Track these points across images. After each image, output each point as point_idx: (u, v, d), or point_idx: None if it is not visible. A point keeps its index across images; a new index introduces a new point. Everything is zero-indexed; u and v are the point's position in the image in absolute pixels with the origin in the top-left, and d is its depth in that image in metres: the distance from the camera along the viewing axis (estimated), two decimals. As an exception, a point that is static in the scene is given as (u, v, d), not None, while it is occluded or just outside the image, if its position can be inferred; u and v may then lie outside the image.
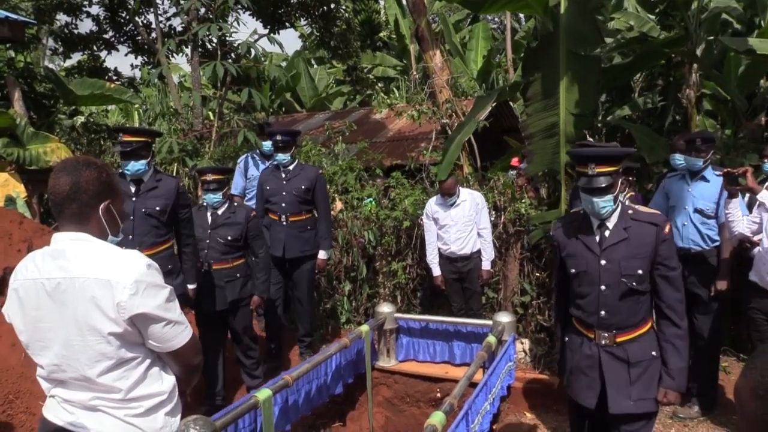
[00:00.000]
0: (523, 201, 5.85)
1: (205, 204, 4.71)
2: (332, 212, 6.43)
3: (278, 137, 5.23)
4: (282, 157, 5.26)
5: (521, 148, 6.69)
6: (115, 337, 1.83)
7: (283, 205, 5.27)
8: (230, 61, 7.28)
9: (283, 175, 5.32)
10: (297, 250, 5.27)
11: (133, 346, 1.89)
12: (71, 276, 1.81)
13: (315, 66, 19.15)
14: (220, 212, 4.69)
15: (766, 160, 4.88)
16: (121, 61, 57.82)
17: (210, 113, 7.09)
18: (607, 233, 2.79)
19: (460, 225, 5.45)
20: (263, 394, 3.34)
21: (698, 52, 6.49)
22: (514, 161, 7.28)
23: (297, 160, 5.44)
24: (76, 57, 11.53)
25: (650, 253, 2.72)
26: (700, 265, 4.51)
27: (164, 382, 1.98)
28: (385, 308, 5.12)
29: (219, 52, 6.49)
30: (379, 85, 17.19)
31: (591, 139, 6.44)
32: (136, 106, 13.06)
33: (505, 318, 4.55)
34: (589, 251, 2.82)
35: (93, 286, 1.80)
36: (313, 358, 4.12)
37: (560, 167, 5.33)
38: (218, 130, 6.63)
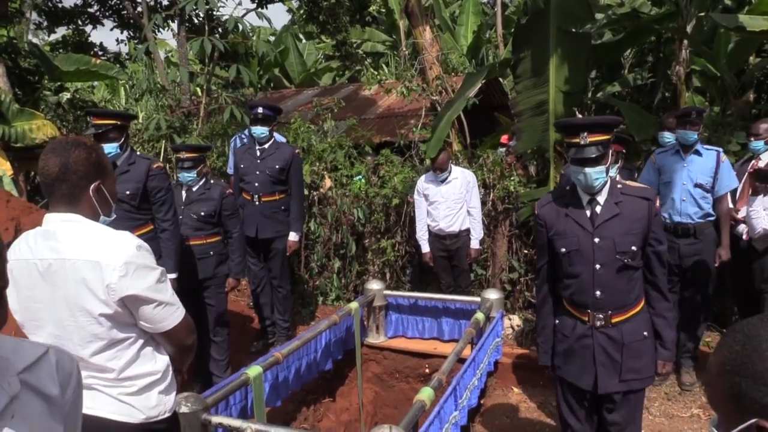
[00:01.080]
0: (512, 179, 5.87)
1: (180, 182, 4.61)
2: (321, 189, 6.44)
3: (259, 110, 5.06)
4: (260, 130, 5.08)
5: (511, 125, 6.71)
6: (106, 318, 1.83)
7: (256, 184, 5.14)
8: (217, 36, 7.20)
9: (258, 153, 5.16)
10: (270, 230, 5.17)
11: (124, 326, 1.89)
12: (62, 257, 1.81)
13: (303, 41, 18.96)
14: (194, 188, 4.61)
15: (752, 138, 4.91)
16: (107, 35, 56.94)
17: (197, 89, 7.01)
18: (598, 209, 2.68)
19: (450, 202, 5.44)
20: (254, 371, 3.37)
21: (688, 28, 6.47)
22: (504, 139, 7.28)
23: (274, 139, 5.27)
24: (61, 32, 11.36)
25: (643, 229, 2.66)
26: (698, 238, 4.56)
27: (157, 361, 1.99)
28: (374, 285, 5.15)
29: (206, 28, 6.40)
30: (368, 61, 17.05)
31: (580, 116, 6.47)
32: (122, 82, 12.91)
33: (493, 295, 4.60)
34: (580, 228, 2.69)
35: (83, 268, 1.80)
36: (303, 335, 4.16)
37: (549, 145, 5.35)
38: (206, 107, 6.58)
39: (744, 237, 4.94)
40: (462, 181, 5.47)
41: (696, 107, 4.60)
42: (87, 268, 1.79)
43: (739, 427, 0.89)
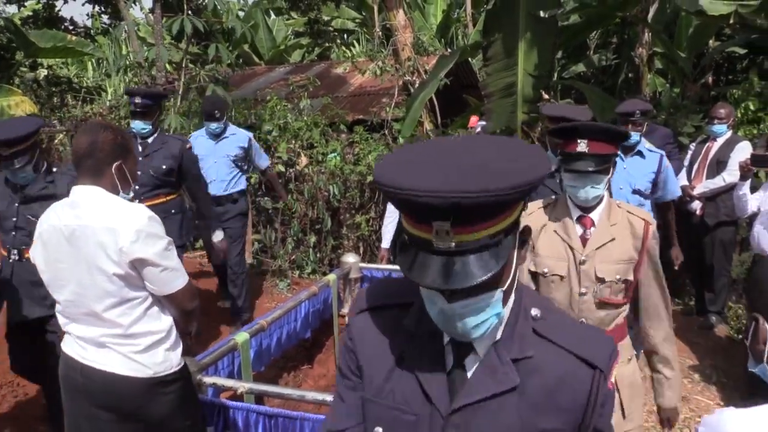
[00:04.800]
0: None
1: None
2: (297, 167, 6.61)
3: (137, 99, 4.17)
4: (140, 125, 4.20)
5: (479, 106, 6.95)
6: (118, 277, 2.06)
7: (137, 187, 4.50)
8: (190, 13, 7.23)
9: (140, 150, 4.21)
10: None
11: (134, 287, 2.11)
12: (84, 224, 2.05)
13: (273, 17, 18.85)
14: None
15: (716, 122, 5.19)
16: (75, 9, 55.37)
17: (167, 66, 7.05)
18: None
19: None
20: (241, 337, 3.58)
21: (651, 10, 6.76)
22: (473, 121, 7.52)
23: (160, 131, 4.43)
24: (30, 6, 11.12)
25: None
26: None
27: (162, 321, 2.21)
28: (350, 258, 5.36)
29: (185, 6, 6.46)
30: (338, 41, 17.08)
31: (547, 97, 6.73)
32: (89, 57, 12.73)
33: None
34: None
35: (101, 233, 2.03)
36: (285, 305, 4.37)
37: (517, 126, 5.62)
38: (184, 84, 6.66)
39: (698, 212, 5.31)
40: None
41: (638, 104, 4.19)
42: (104, 233, 2.03)
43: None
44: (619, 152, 2.18)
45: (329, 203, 6.58)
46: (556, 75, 10.11)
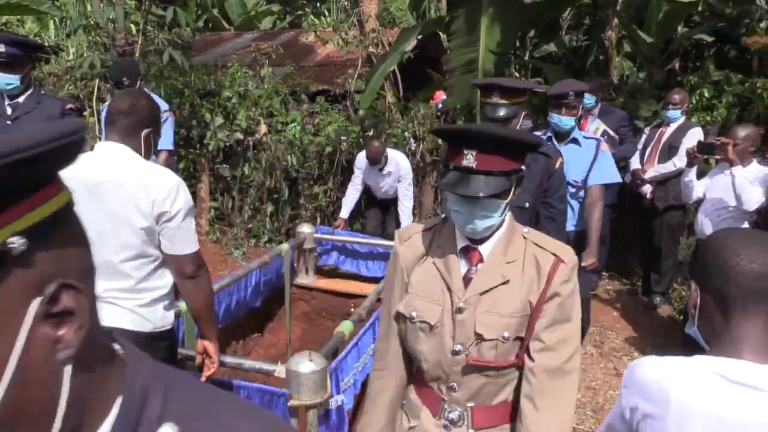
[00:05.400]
0: (441, 132, 6.13)
1: None
2: (257, 135, 6.56)
3: (2, 48, 3.43)
4: (5, 79, 3.50)
5: (443, 81, 6.94)
6: (144, 231, 2.16)
7: None
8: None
9: (9, 112, 3.57)
10: None
11: (153, 244, 2.23)
12: (113, 178, 2.15)
13: (244, -19, 18.46)
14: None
15: (670, 107, 5.28)
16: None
17: (132, 26, 6.90)
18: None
19: (387, 186, 5.67)
20: (185, 305, 3.57)
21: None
22: (437, 96, 7.52)
23: (34, 89, 3.74)
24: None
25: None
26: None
27: (165, 279, 2.33)
28: (305, 228, 5.38)
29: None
30: (307, 9, 16.84)
31: (517, 75, 6.76)
32: (52, 15, 12.33)
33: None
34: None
35: (133, 188, 2.14)
36: (235, 273, 4.37)
37: (477, 102, 5.63)
38: (142, 47, 6.52)
39: (648, 196, 5.42)
40: (395, 174, 5.57)
41: (573, 84, 3.77)
42: (137, 188, 2.14)
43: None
44: (522, 167, 1.60)
45: (287, 173, 6.55)
46: (528, 54, 10.12)
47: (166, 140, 4.31)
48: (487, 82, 2.80)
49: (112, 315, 2.21)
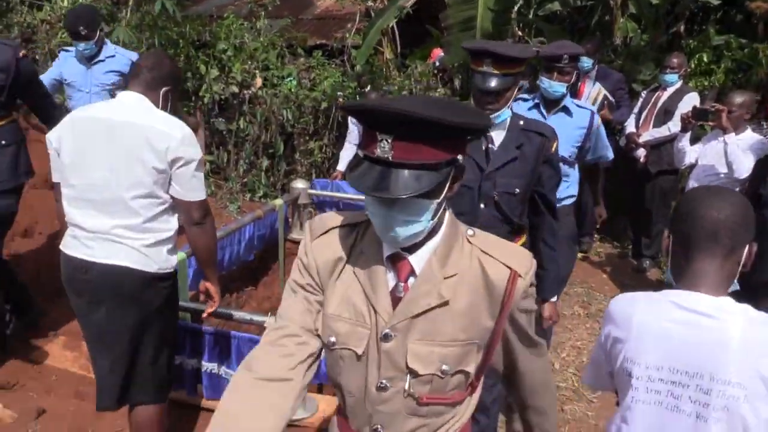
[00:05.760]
0: (438, 90, 6.11)
1: None
2: (252, 88, 6.49)
3: None
4: None
5: (441, 38, 6.86)
6: (156, 172, 2.29)
7: None
8: None
9: None
10: None
11: (163, 187, 2.35)
12: (132, 121, 2.29)
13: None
14: None
15: (668, 71, 5.26)
16: None
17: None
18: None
19: None
20: (179, 256, 3.62)
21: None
22: (434, 53, 7.43)
23: None
24: None
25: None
26: None
27: (171, 223, 2.46)
28: (299, 184, 5.40)
29: None
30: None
31: (520, 33, 6.66)
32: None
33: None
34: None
35: (150, 131, 2.28)
36: (228, 227, 4.41)
37: (473, 61, 5.59)
38: (135, -6, 6.40)
39: (641, 160, 5.44)
40: None
41: (568, 46, 3.40)
42: (154, 132, 2.28)
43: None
44: (459, 157, 1.22)
45: (283, 128, 6.52)
46: (531, 12, 9.94)
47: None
48: (477, 47, 2.36)
49: (118, 253, 2.33)
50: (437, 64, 6.81)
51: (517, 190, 2.44)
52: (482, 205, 2.44)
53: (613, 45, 6.66)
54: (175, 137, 2.29)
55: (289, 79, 6.52)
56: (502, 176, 2.42)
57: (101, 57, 4.20)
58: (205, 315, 2.78)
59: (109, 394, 2.48)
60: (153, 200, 2.34)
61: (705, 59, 6.12)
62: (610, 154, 3.61)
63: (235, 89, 6.34)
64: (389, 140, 1.16)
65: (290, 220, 5.46)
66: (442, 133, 1.17)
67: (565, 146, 3.16)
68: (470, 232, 1.35)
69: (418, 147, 1.16)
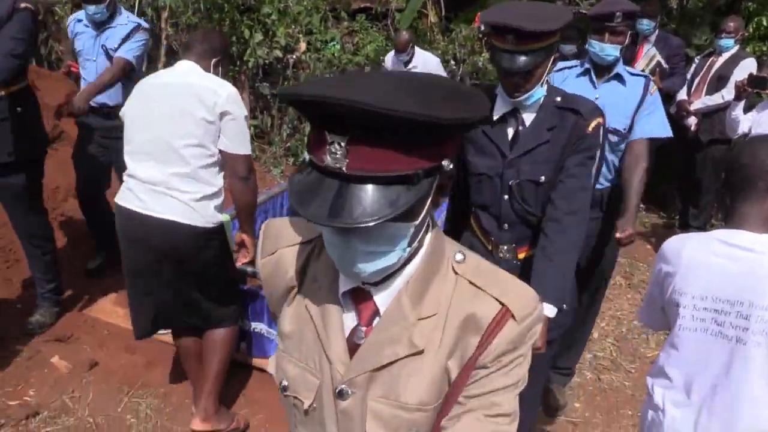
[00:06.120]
0: (483, 55, 6.01)
1: None
2: (296, 53, 6.50)
3: None
4: None
5: (487, 1, 6.71)
6: (205, 123, 2.50)
7: None
8: None
9: None
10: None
11: (212, 140, 2.55)
12: (184, 81, 2.56)
13: None
14: None
15: (723, 35, 5.04)
16: None
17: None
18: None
19: None
20: (224, 217, 3.72)
21: None
22: (479, 17, 7.27)
23: None
24: None
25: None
26: (607, 210, 3.01)
27: (218, 179, 2.65)
28: (341, 150, 5.41)
29: None
30: None
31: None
32: None
33: None
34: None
35: (200, 89, 2.52)
36: (270, 191, 4.48)
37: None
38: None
39: (693, 128, 5.27)
40: (422, 69, 5.44)
41: (626, 4, 2.84)
42: (203, 89, 2.52)
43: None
44: (444, 164, 0.89)
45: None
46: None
47: (129, 51, 3.81)
48: (495, 21, 1.91)
49: (168, 207, 2.52)
50: (482, 28, 6.67)
51: (543, 178, 2.05)
52: (505, 197, 2.13)
53: (668, 7, 6.39)
54: (222, 95, 2.51)
55: (332, 43, 6.50)
56: (527, 162, 2.07)
57: (112, 24, 3.85)
58: (239, 264, 2.92)
59: (144, 323, 2.79)
60: (202, 150, 2.53)
61: (765, 23, 5.83)
62: (664, 131, 2.88)
63: (279, 54, 6.36)
64: (342, 144, 0.81)
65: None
66: (420, 133, 0.82)
67: (617, 118, 2.78)
68: (459, 257, 1.01)
69: (385, 153, 0.82)
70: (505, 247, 2.21)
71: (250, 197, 2.74)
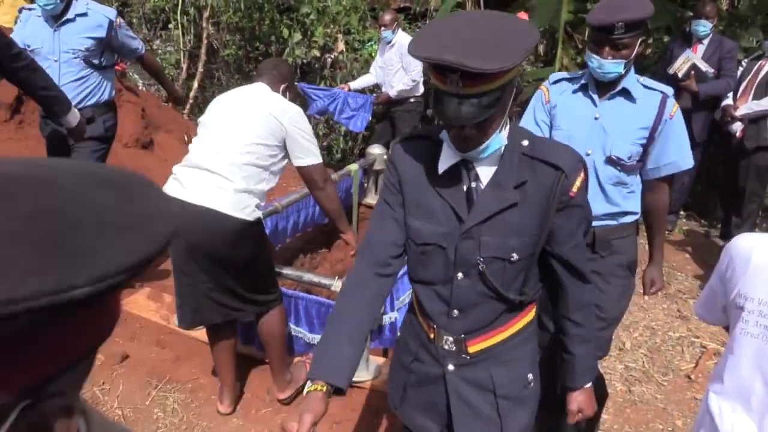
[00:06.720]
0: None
1: None
2: (334, 52, 6.53)
3: None
4: None
5: (527, 1, 6.62)
6: (271, 130, 2.72)
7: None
8: None
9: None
10: None
11: (273, 146, 2.74)
12: (260, 95, 2.81)
13: None
14: None
15: None
16: None
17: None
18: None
19: (387, 68, 5.77)
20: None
21: None
22: (519, 17, 7.18)
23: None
24: None
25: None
26: (601, 254, 2.43)
27: (267, 184, 2.80)
28: (376, 149, 5.42)
29: None
30: None
31: None
32: None
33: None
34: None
35: (271, 105, 2.75)
36: (303, 190, 4.50)
37: (560, 25, 5.37)
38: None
39: (738, 134, 5.11)
40: (398, 47, 5.64)
41: (628, 13, 2.18)
42: (274, 106, 2.75)
43: None
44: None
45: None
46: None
47: (135, 43, 3.82)
48: (431, 57, 1.35)
49: (210, 196, 2.63)
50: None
51: (515, 256, 1.55)
52: (460, 275, 1.58)
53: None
54: (289, 111, 2.76)
55: (370, 43, 6.51)
56: (490, 233, 1.54)
57: (69, 15, 3.45)
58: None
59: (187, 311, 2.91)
60: (264, 148, 2.71)
61: (818, 26, 5.61)
62: (687, 162, 2.39)
63: (317, 53, 6.40)
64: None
65: (365, 185, 5.51)
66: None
67: (623, 145, 2.31)
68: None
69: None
70: (451, 339, 1.65)
71: (334, 204, 3.02)
